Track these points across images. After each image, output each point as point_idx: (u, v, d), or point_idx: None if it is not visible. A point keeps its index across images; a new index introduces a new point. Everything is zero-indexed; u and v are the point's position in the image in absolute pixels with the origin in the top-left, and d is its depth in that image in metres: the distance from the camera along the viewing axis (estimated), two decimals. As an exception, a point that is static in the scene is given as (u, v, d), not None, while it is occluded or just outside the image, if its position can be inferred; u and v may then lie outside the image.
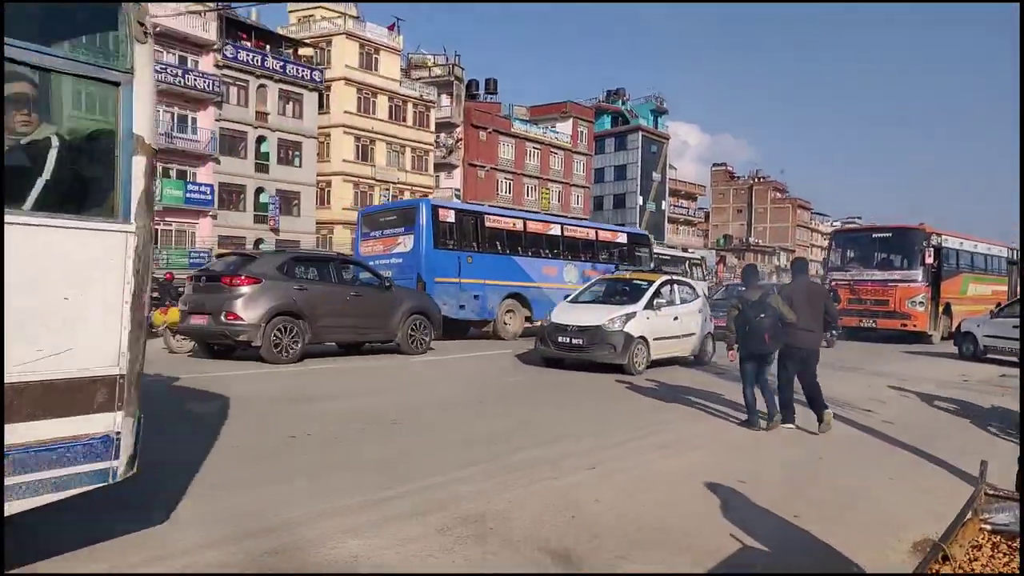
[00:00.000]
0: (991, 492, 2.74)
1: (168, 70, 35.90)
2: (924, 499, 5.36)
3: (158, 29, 35.72)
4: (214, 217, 38.46)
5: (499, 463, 5.73)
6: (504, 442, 6.51)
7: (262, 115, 41.27)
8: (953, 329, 19.46)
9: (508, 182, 55.26)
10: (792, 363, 7.79)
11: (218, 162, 38.95)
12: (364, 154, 47.33)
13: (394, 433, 6.85)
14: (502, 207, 39.79)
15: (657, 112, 72.24)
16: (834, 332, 17.54)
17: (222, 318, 11.25)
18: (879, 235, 21.74)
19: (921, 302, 19.69)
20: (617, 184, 69.28)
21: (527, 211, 33.59)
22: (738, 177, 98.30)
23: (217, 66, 38.79)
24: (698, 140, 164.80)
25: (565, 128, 60.29)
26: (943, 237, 21.28)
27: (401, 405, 8.43)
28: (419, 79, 52.07)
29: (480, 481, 5.17)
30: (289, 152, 43.10)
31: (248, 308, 11.24)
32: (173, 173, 37.63)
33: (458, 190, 52.07)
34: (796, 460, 6.37)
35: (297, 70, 42.74)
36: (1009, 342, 15.98)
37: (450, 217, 17.45)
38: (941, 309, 20.95)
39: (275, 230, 41.18)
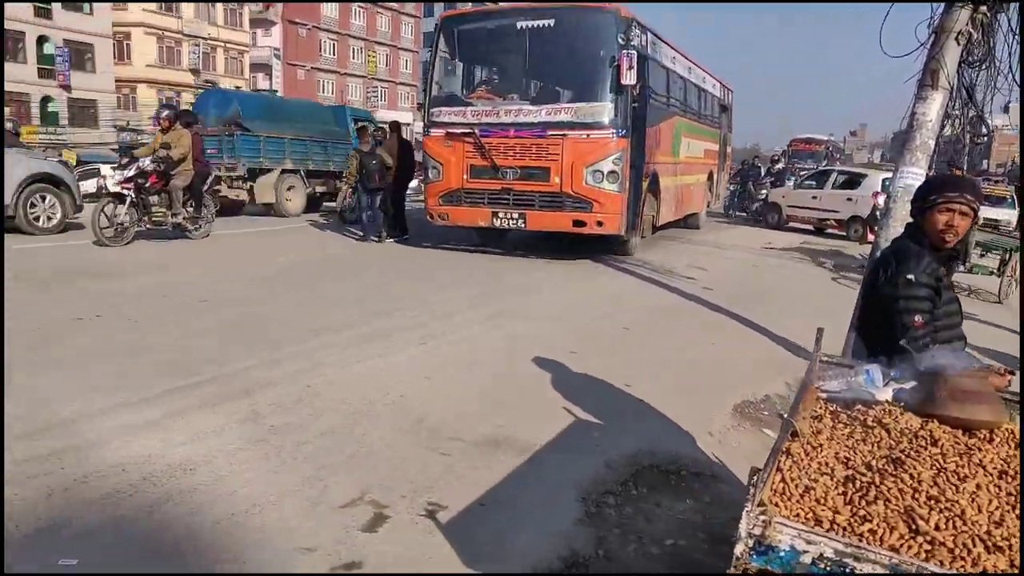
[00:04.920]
0: (825, 360, 2.70)
1: None
2: (741, 361, 5.58)
3: None
4: (-15, 69, 33.25)
5: (322, 340, 5.31)
6: (331, 317, 6.07)
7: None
8: (661, 223, 12.48)
9: (332, 43, 51.73)
10: (388, 194, 11.23)
11: (-16, 2, 33.29)
12: (167, 3, 42.28)
13: (198, 313, 6.18)
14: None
15: (491, -26, 69.47)
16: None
17: None
18: (529, 24, 9.77)
19: (613, 172, 9.43)
20: (449, 50, 66.81)
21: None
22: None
23: None
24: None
25: (393, -13, 56.77)
26: (651, 38, 10.89)
27: (204, 281, 7.69)
28: (228, -81, 46.53)
29: (297, 362, 4.75)
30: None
31: None
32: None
33: (277, 49, 48.21)
34: (624, 327, 6.43)
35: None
36: (807, 211, 17.27)
37: None
38: (645, 186, 10.73)
39: (66, 87, 36.50)
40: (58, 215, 10.52)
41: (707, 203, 16.76)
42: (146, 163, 9.73)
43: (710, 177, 16.40)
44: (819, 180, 17.50)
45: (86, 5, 37.92)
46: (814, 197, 16.96)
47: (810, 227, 17.37)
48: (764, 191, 20.49)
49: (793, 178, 24.45)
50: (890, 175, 7.02)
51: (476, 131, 9.81)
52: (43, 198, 10.28)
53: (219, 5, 44.71)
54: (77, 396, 3.87)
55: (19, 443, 3.26)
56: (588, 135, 9.38)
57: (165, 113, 10.25)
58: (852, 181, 16.37)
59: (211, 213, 10.90)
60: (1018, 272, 9.52)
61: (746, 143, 77.58)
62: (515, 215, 9.86)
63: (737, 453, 3.94)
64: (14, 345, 4.66)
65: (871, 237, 12.87)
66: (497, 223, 10.01)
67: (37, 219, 10.22)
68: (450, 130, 10.06)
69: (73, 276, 7.41)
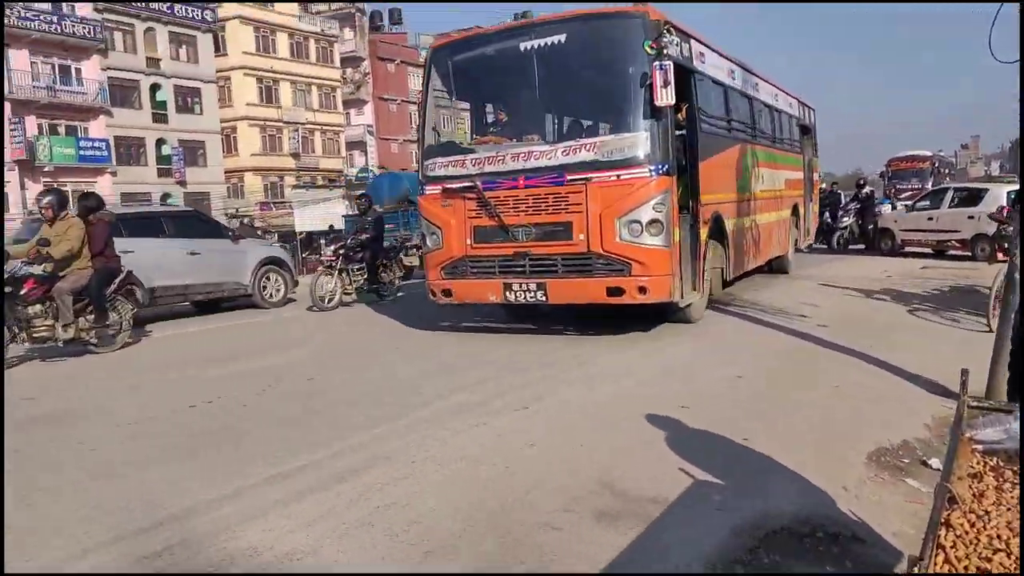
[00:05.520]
0: (974, 404, 2.38)
1: (41, 17, 33.02)
2: (869, 404, 5.16)
3: (23, -28, 32.69)
4: (113, 174, 36.13)
5: (421, 414, 5.25)
6: (425, 389, 6.03)
7: (153, 61, 38.65)
8: (734, 275, 10.10)
9: (423, 114, 53.64)
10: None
11: (110, 115, 36.39)
12: (268, 96, 45.14)
13: (297, 394, 6.25)
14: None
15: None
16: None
17: None
18: (535, 44, 7.80)
19: (655, 222, 7.25)
20: (535, 109, 68.06)
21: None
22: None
23: (97, 10, 35.86)
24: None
25: (477, 54, 58.62)
26: (698, 48, 8.71)
27: (302, 361, 7.85)
28: (319, 13, 49.52)
29: (399, 437, 4.69)
30: (188, 99, 40.64)
31: None
32: (62, 129, 35.05)
33: (370, 126, 50.40)
34: (736, 377, 6.09)
35: (186, 10, 39.97)
36: (923, 234, 16.31)
37: None
38: (704, 234, 8.47)
39: (181, 183, 39.10)
40: (282, 291, 12.68)
41: (795, 241, 14.13)
42: (17, 266, 7.94)
43: (795, 211, 13.90)
44: (934, 200, 16.54)
45: (196, 106, 40.78)
46: (930, 218, 16.01)
47: (928, 250, 16.39)
48: (847, 219, 19.21)
49: (888, 201, 22.93)
50: (1016, 187, 6.46)
51: (478, 183, 7.80)
52: (269, 277, 12.54)
53: (314, 91, 47.28)
54: (188, 487, 3.92)
55: (135, 539, 3.29)
56: (618, 176, 7.27)
57: (46, 200, 8.13)
58: (972, 197, 15.38)
59: (125, 319, 8.77)
60: None
61: (847, 169, 74.53)
62: (532, 286, 7.65)
63: (878, 509, 3.56)
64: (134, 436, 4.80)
65: (1001, 256, 11.98)
66: (511, 297, 7.81)
67: (269, 295, 12.49)
68: (447, 185, 8.05)
69: (203, 361, 7.71)
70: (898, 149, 29.79)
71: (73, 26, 34.24)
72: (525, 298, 7.74)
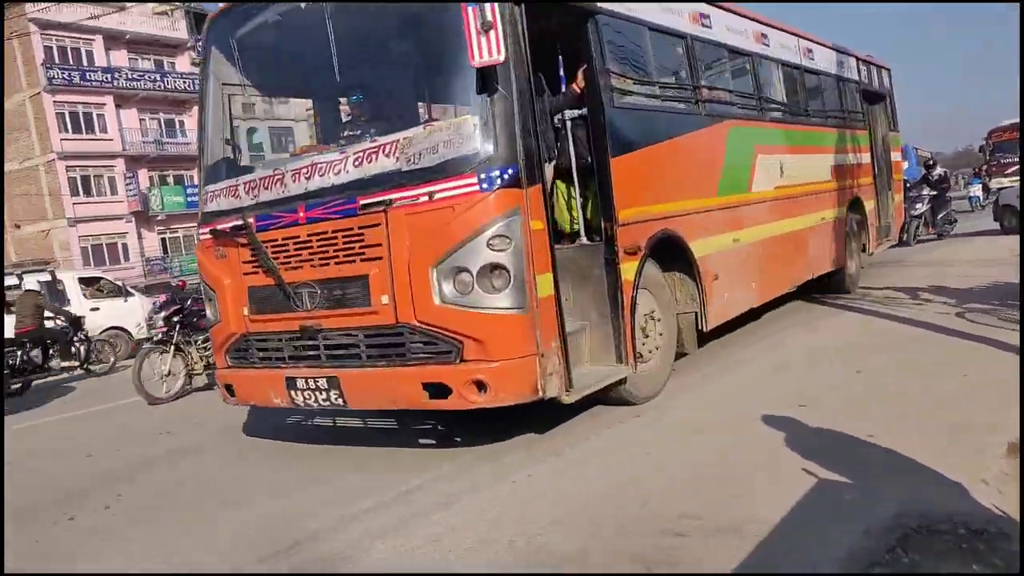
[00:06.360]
0: None
1: (146, 76, 35.35)
2: (1005, 391, 4.84)
3: (127, 37, 35.14)
4: (219, 217, 38.15)
5: (538, 427, 5.29)
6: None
7: (249, 106, 40.62)
8: (720, 320, 6.66)
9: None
10: None
11: (213, 162, 38.47)
12: (358, 129, 46.67)
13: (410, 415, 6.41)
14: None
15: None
16: None
17: None
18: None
19: (495, 268, 4.21)
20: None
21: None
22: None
23: (194, 64, 38.01)
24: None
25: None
26: None
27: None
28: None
29: (515, 452, 4.75)
30: (281, 138, 42.44)
31: None
32: (171, 179, 37.32)
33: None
34: (856, 371, 5.86)
35: (274, 54, 41.97)
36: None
37: None
38: (632, 269, 5.22)
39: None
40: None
41: (861, 247, 10.47)
42: None
43: (857, 207, 10.27)
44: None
45: (291, 146, 42.53)
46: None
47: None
48: (920, 206, 17.06)
49: (978, 181, 21.08)
50: None
51: (249, 220, 5.01)
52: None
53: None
54: (318, 509, 4.11)
55: (274, 561, 3.47)
56: (430, 194, 4.36)
57: None
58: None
59: None
60: None
61: (956, 145, 69.70)
62: (322, 382, 4.77)
63: (1025, 502, 3.36)
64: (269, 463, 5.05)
65: None
66: (298, 399, 4.93)
67: None
68: (218, 225, 5.30)
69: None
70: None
71: (175, 81, 36.52)
72: (316, 401, 4.86)
